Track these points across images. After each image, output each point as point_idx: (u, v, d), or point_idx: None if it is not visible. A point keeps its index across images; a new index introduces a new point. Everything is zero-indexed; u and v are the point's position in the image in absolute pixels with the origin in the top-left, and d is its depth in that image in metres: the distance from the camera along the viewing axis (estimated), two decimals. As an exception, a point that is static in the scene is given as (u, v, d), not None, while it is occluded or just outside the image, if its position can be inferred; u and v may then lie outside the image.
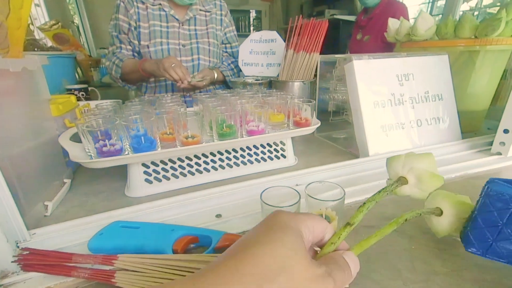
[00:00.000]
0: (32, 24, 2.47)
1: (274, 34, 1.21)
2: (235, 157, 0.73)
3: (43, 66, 0.66)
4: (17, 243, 0.46)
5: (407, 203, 0.58)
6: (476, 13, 2.70)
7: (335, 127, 1.05)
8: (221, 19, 1.41)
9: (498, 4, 2.52)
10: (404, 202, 0.59)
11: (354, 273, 0.29)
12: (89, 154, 0.59)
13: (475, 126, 1.02)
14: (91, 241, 0.45)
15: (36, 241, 0.48)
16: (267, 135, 0.71)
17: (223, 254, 0.26)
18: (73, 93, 1.50)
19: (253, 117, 0.71)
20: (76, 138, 0.64)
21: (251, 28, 4.80)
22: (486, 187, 0.37)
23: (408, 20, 1.02)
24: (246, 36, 1.29)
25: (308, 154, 0.88)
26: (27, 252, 0.41)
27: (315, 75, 1.03)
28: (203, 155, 0.70)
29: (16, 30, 0.54)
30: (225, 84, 1.42)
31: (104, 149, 0.58)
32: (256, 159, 0.76)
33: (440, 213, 0.42)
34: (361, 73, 0.77)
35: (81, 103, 0.89)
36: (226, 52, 1.49)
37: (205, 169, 0.71)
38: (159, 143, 0.63)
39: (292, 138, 0.80)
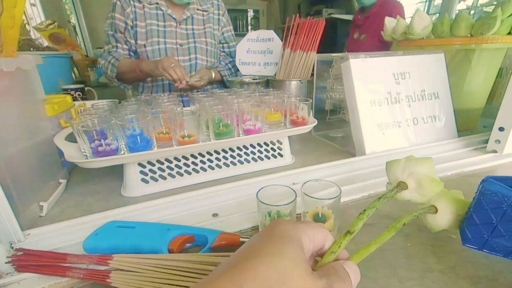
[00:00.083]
0: (28, 24, 2.45)
1: (271, 33, 1.21)
2: (231, 156, 0.73)
3: (38, 66, 0.66)
4: (11, 244, 0.46)
5: (404, 201, 0.58)
6: (472, 12, 2.71)
7: (332, 126, 1.05)
8: (219, 19, 1.40)
9: (495, 3, 2.53)
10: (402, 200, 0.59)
11: (354, 283, 0.28)
12: (84, 154, 0.59)
13: (471, 125, 1.02)
14: (86, 241, 0.44)
15: (30, 241, 0.47)
16: (263, 134, 0.71)
17: (223, 264, 0.25)
18: (69, 93, 1.49)
19: (250, 116, 0.71)
20: (71, 138, 0.63)
21: (249, 27, 4.79)
22: (481, 186, 0.38)
23: (405, 19, 1.02)
24: (244, 35, 1.28)
25: (305, 153, 0.88)
26: (21, 253, 0.41)
27: (312, 74, 1.03)
28: (200, 154, 0.70)
29: (9, 29, 0.53)
30: (222, 84, 1.41)
31: (100, 149, 0.57)
32: (252, 158, 0.75)
33: (435, 211, 0.41)
34: (358, 71, 0.77)
35: (77, 103, 0.89)
36: (224, 51, 1.49)
37: (201, 168, 0.71)
38: (155, 143, 0.63)
39: (289, 137, 0.80)
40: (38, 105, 0.66)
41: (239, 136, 0.69)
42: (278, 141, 0.78)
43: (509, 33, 0.83)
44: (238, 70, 1.32)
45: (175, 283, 0.37)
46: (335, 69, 0.93)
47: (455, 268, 0.41)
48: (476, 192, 0.38)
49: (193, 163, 0.69)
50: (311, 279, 0.25)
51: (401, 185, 0.42)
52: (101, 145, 0.58)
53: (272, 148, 0.77)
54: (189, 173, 0.69)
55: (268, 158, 0.77)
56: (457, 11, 2.67)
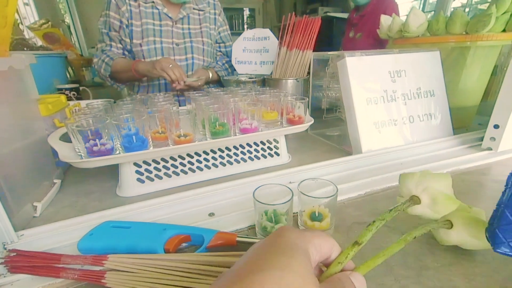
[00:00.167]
0: (21, 23, 2.44)
1: (267, 32, 1.21)
2: (228, 155, 0.73)
3: (32, 66, 0.65)
4: (4, 245, 0.45)
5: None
6: (467, 9, 2.72)
7: (328, 125, 1.05)
8: (215, 18, 1.40)
9: (489, 0, 2.55)
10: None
11: None
12: (79, 154, 0.58)
13: (466, 122, 1.02)
14: (81, 241, 0.44)
15: (24, 242, 0.47)
16: (260, 133, 0.71)
17: (226, 276, 0.24)
18: (64, 93, 1.48)
19: (246, 115, 0.70)
20: (66, 138, 0.63)
21: (245, 26, 4.78)
22: None
23: (399, 17, 1.02)
24: (240, 34, 1.28)
25: (302, 151, 0.88)
26: (15, 254, 0.41)
27: (308, 73, 1.02)
28: (196, 153, 0.69)
29: (1, 29, 0.53)
30: (219, 83, 1.41)
31: (95, 148, 0.57)
32: (249, 157, 0.75)
33: (450, 226, 0.40)
34: (354, 70, 0.77)
35: (72, 102, 0.88)
36: (220, 51, 1.48)
37: (198, 167, 0.70)
38: (151, 142, 0.63)
39: (285, 135, 0.79)
40: (32, 105, 0.66)
41: (236, 135, 0.69)
42: (274, 140, 0.77)
43: (503, 31, 0.84)
44: (234, 69, 1.31)
45: (171, 283, 0.37)
46: (331, 67, 0.93)
47: (451, 265, 0.41)
48: (507, 185, 0.35)
49: (189, 162, 0.69)
50: None
51: (414, 200, 0.40)
52: (96, 145, 0.57)
53: (268, 147, 0.77)
54: (185, 173, 0.69)
55: (265, 157, 0.77)
56: (452, 9, 2.68)
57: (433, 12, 2.98)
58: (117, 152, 0.60)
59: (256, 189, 0.47)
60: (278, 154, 0.79)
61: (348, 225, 0.51)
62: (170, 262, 0.39)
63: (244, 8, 4.71)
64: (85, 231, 0.46)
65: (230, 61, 1.33)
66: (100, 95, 1.89)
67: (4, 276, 0.41)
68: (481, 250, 0.42)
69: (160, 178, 0.67)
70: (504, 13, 0.81)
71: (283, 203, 0.45)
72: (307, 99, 0.76)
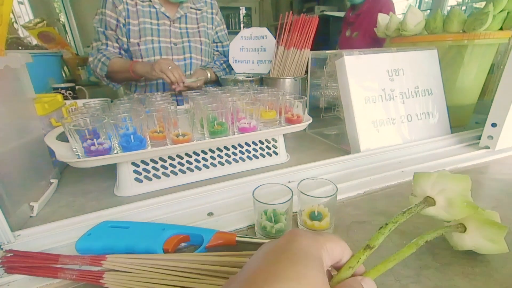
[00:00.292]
0: (16, 22, 2.41)
1: (264, 31, 1.20)
2: (226, 154, 0.72)
3: (27, 65, 0.64)
4: (1, 245, 0.45)
5: (399, 198, 0.59)
6: (463, 8, 2.73)
7: (326, 124, 1.05)
8: (212, 18, 1.39)
9: (485, -2, 2.56)
10: (396, 197, 0.59)
11: None
12: (76, 153, 0.58)
13: (464, 121, 1.03)
14: (79, 241, 0.43)
15: (21, 242, 0.47)
16: (259, 132, 0.71)
17: (239, 281, 0.24)
18: (60, 92, 1.47)
19: (245, 114, 0.70)
20: (63, 138, 0.62)
21: (241, 25, 4.77)
22: None
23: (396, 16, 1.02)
24: (236, 33, 1.28)
25: (300, 150, 0.88)
26: (11, 254, 0.40)
27: (306, 72, 1.02)
28: (194, 153, 0.69)
29: (-3, 26, 0.52)
30: (217, 83, 1.40)
31: (92, 148, 0.56)
32: (248, 157, 0.75)
33: (464, 230, 0.39)
34: (352, 68, 0.77)
35: (68, 102, 0.87)
36: (217, 51, 1.48)
37: (196, 167, 0.70)
38: (149, 142, 0.62)
39: (283, 135, 0.79)
40: (28, 104, 0.65)
41: (234, 134, 0.69)
42: (273, 139, 0.77)
43: (500, 29, 0.84)
44: (232, 69, 1.31)
45: (170, 283, 0.37)
46: (329, 66, 0.93)
47: (451, 265, 0.40)
48: None
49: (187, 162, 0.69)
50: None
51: (428, 201, 0.39)
52: (93, 144, 0.57)
53: (267, 146, 0.77)
54: (184, 172, 0.69)
55: (263, 156, 0.77)
56: (448, 7, 2.70)
57: (429, 11, 2.99)
58: (115, 151, 0.60)
59: (255, 188, 0.47)
60: (276, 153, 0.78)
61: (347, 224, 0.51)
62: (169, 262, 0.39)
63: (241, 7, 4.69)
64: (83, 231, 0.46)
65: (228, 60, 1.33)
66: (96, 94, 1.87)
67: (1, 277, 0.41)
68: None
69: (158, 177, 0.67)
70: (501, 11, 0.81)
71: (282, 203, 0.45)
72: (306, 98, 0.75)
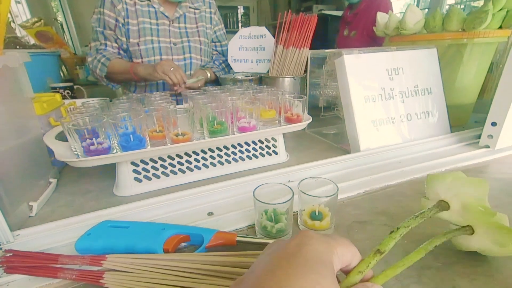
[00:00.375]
0: (13, 22, 2.40)
1: (263, 30, 1.20)
2: (226, 154, 0.72)
3: (26, 64, 0.64)
4: (0, 245, 0.45)
5: (399, 197, 0.59)
6: (462, 6, 2.73)
7: (326, 123, 1.05)
8: (211, 17, 1.39)
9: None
10: (397, 196, 0.59)
11: None
12: (75, 153, 0.57)
13: (463, 120, 1.03)
14: (79, 241, 0.43)
15: (20, 242, 0.46)
16: (258, 132, 0.71)
17: (249, 284, 0.23)
18: (58, 92, 1.46)
19: (244, 114, 0.70)
20: (61, 137, 0.62)
21: (239, 24, 4.76)
22: None
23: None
24: (235, 32, 1.27)
25: (300, 150, 0.87)
26: (11, 254, 0.40)
27: (306, 71, 1.02)
28: (194, 152, 0.69)
29: (-5, 25, 0.51)
30: (216, 82, 1.40)
31: (92, 147, 0.56)
32: (247, 156, 0.75)
33: (472, 232, 0.38)
34: (352, 67, 0.77)
35: (66, 101, 0.87)
36: (216, 50, 1.47)
37: (196, 167, 0.70)
38: (148, 141, 0.62)
39: (283, 134, 0.79)
40: (27, 104, 0.65)
41: (234, 133, 0.69)
42: (273, 138, 0.77)
43: (500, 27, 0.84)
44: (231, 68, 1.31)
45: (170, 283, 0.37)
46: (328, 65, 0.92)
47: (452, 265, 0.40)
48: None
49: (187, 161, 0.68)
50: None
51: (442, 205, 0.37)
52: (92, 144, 0.56)
53: (267, 146, 0.77)
54: (183, 172, 0.69)
55: (263, 155, 0.77)
56: (447, 6, 2.70)
57: (427, 10, 3.00)
58: (114, 151, 0.59)
59: (256, 188, 0.47)
60: (276, 153, 0.78)
61: (347, 224, 0.51)
62: (169, 262, 0.39)
63: (238, 6, 4.69)
64: (82, 231, 0.45)
65: (227, 60, 1.33)
66: (95, 94, 1.87)
67: (0, 277, 0.40)
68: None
69: (158, 177, 0.66)
70: (500, 9, 0.81)
71: (283, 202, 0.45)
72: (305, 97, 0.75)
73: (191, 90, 0.97)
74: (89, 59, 1.25)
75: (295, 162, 0.77)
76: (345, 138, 0.82)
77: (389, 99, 0.80)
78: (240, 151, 0.74)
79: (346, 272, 0.29)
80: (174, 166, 0.67)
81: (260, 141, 0.75)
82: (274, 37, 1.07)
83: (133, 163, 0.63)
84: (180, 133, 0.63)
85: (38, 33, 2.18)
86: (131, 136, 0.59)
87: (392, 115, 0.81)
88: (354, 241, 0.46)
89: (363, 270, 0.28)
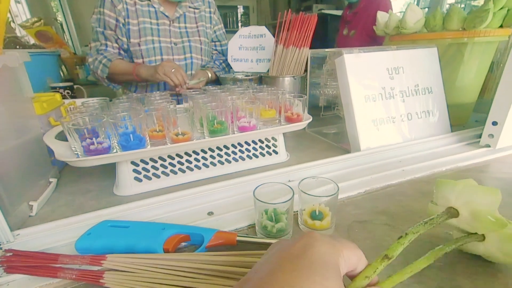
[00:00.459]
0: (13, 22, 2.40)
1: (263, 29, 1.20)
2: (226, 153, 0.72)
3: (25, 64, 0.64)
4: (0, 245, 0.45)
5: (400, 197, 0.58)
6: (462, 5, 2.73)
7: (326, 122, 1.05)
8: (210, 17, 1.39)
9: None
10: (397, 196, 0.59)
11: None
12: (75, 152, 0.57)
13: (464, 119, 1.03)
14: (79, 241, 0.43)
15: (20, 242, 0.46)
16: (258, 131, 0.70)
17: (252, 285, 0.23)
18: (58, 91, 1.46)
19: (244, 113, 0.70)
20: (61, 137, 0.62)
21: (239, 24, 4.76)
22: None
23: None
24: (234, 32, 1.27)
25: (300, 149, 0.87)
26: (11, 254, 0.40)
27: (306, 70, 1.02)
28: (194, 152, 0.69)
29: (-5, 25, 0.51)
30: (217, 82, 1.39)
31: (91, 147, 0.56)
32: (247, 156, 0.75)
33: (483, 239, 0.37)
34: (352, 67, 0.77)
35: (67, 101, 0.87)
36: (216, 50, 1.47)
37: (196, 166, 0.70)
38: (148, 141, 0.62)
39: (283, 133, 0.79)
40: (26, 103, 0.64)
41: (234, 133, 0.68)
42: (273, 138, 0.77)
43: (500, 26, 0.84)
44: (231, 68, 1.31)
45: (171, 283, 0.36)
46: (328, 64, 0.92)
47: (454, 264, 0.40)
48: None
49: (187, 161, 0.68)
50: None
51: (452, 212, 0.37)
52: (92, 143, 0.56)
53: (267, 145, 0.77)
54: (183, 171, 0.68)
55: (263, 155, 0.77)
56: (447, 5, 2.70)
57: (427, 9, 2.99)
58: (114, 150, 0.59)
59: (256, 187, 0.47)
60: (276, 152, 0.78)
61: (348, 223, 0.51)
62: (169, 262, 0.39)
63: (238, 6, 4.69)
64: (82, 231, 0.45)
65: (227, 60, 1.32)
66: (94, 94, 1.87)
67: (0, 276, 0.40)
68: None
69: (158, 176, 0.66)
70: (501, 8, 0.81)
71: (283, 202, 0.45)
72: (305, 96, 0.75)
73: (191, 90, 0.97)
74: (90, 59, 1.24)
75: (295, 162, 0.77)
76: (346, 138, 0.82)
77: (389, 98, 0.80)
78: (240, 151, 0.73)
79: (351, 276, 0.28)
80: (174, 165, 0.67)
81: (260, 140, 0.75)
82: (274, 36, 1.07)
83: (133, 163, 0.63)
84: (180, 133, 0.63)
85: (38, 33, 2.18)
86: (131, 135, 0.59)
87: (393, 114, 0.81)
88: (354, 240, 0.46)
89: (370, 275, 0.27)
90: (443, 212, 0.37)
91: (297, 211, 0.50)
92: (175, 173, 0.68)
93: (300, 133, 1.00)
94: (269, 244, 0.43)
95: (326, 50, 0.88)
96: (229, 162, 0.73)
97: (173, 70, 1.06)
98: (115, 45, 1.24)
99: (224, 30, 1.48)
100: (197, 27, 1.32)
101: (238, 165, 0.74)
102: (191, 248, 0.46)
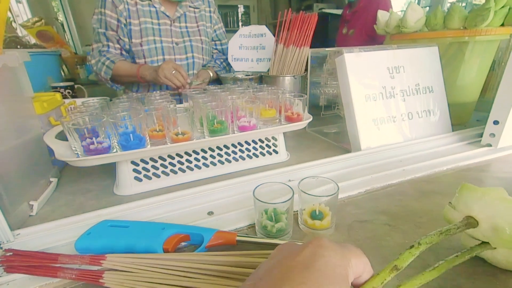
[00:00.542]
0: (14, 21, 2.41)
1: (263, 29, 1.20)
2: (226, 153, 0.72)
3: (26, 64, 0.64)
4: (0, 244, 0.45)
5: (401, 197, 0.58)
6: (463, 4, 2.72)
7: (326, 122, 1.05)
8: (210, 16, 1.39)
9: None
10: (398, 196, 0.59)
11: None
12: (75, 152, 0.57)
13: (465, 118, 1.02)
14: (78, 241, 0.43)
15: (20, 241, 0.46)
16: (259, 131, 0.70)
17: None
18: (58, 91, 1.46)
19: (244, 113, 0.70)
20: (62, 137, 0.62)
21: (240, 23, 4.76)
22: None
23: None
24: (235, 31, 1.27)
25: (300, 149, 0.87)
26: (11, 254, 0.40)
27: (306, 69, 1.02)
28: (194, 152, 0.69)
29: (-6, 25, 0.51)
30: (217, 81, 1.39)
31: (92, 147, 0.56)
32: (248, 155, 0.75)
33: (494, 248, 0.36)
34: (352, 66, 0.76)
35: (67, 100, 0.87)
36: (216, 49, 1.47)
37: (196, 166, 0.69)
38: (148, 140, 0.62)
39: (283, 133, 0.79)
40: (27, 103, 0.65)
41: (234, 133, 0.68)
42: (273, 137, 0.77)
43: (502, 25, 0.84)
44: (231, 67, 1.30)
45: (170, 283, 0.36)
46: (329, 64, 0.92)
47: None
48: None
49: (187, 160, 0.68)
50: None
51: (470, 223, 0.35)
52: (92, 143, 0.56)
53: (267, 145, 0.76)
54: (183, 171, 0.68)
55: (263, 155, 0.76)
56: (448, 4, 2.69)
57: (428, 8, 2.99)
58: (114, 150, 0.59)
59: (256, 187, 0.46)
60: (276, 152, 0.78)
61: (348, 223, 0.51)
62: (169, 261, 0.39)
63: (239, 5, 4.69)
64: (82, 230, 0.45)
65: (227, 59, 1.32)
66: (95, 93, 1.87)
67: (0, 276, 0.40)
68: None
69: (158, 176, 0.66)
70: (502, 7, 0.80)
71: (283, 202, 0.44)
72: (306, 96, 0.75)
73: (192, 89, 0.97)
74: (93, 61, 1.24)
75: (296, 161, 0.77)
76: (346, 137, 0.81)
77: (390, 97, 0.80)
78: (240, 150, 0.73)
79: (356, 285, 0.27)
80: (174, 165, 0.67)
81: (260, 140, 0.75)
82: (274, 36, 1.07)
83: (133, 162, 0.63)
84: (180, 132, 0.63)
85: (39, 33, 2.18)
86: (131, 135, 0.59)
87: (393, 113, 0.80)
88: (354, 240, 0.46)
89: (377, 286, 0.27)
90: (461, 222, 0.35)
91: (297, 211, 0.50)
92: (175, 172, 0.68)
93: (300, 132, 0.99)
94: (269, 244, 0.43)
95: (327, 49, 0.88)
96: (229, 161, 0.73)
97: (173, 72, 1.06)
98: (117, 45, 1.24)
99: (224, 29, 1.48)
100: (197, 26, 1.33)
101: (238, 165, 0.74)
102: (191, 248, 0.46)
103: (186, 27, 1.30)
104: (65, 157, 0.56)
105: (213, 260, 0.39)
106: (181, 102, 1.04)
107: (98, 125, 0.57)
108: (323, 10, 3.39)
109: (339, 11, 3.16)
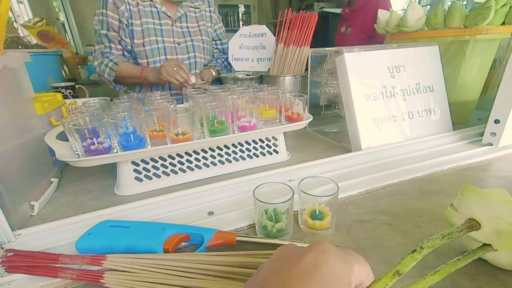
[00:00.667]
0: (16, 22, 2.41)
1: (263, 28, 1.20)
2: (226, 153, 0.72)
3: (27, 64, 0.64)
4: (1, 245, 0.45)
5: (401, 196, 0.58)
6: (464, 3, 2.71)
7: (326, 121, 1.04)
8: (210, 16, 1.39)
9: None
10: (398, 195, 0.59)
11: None
12: (76, 152, 0.57)
13: (466, 117, 1.02)
14: (79, 241, 0.43)
15: (21, 241, 0.47)
16: (259, 131, 0.70)
17: None
18: (59, 91, 1.46)
19: (245, 113, 0.70)
20: (63, 137, 0.62)
21: (240, 23, 4.77)
22: None
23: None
24: (235, 31, 1.27)
25: (300, 149, 0.87)
26: (12, 254, 0.40)
27: (306, 69, 1.02)
28: (194, 152, 0.69)
29: (-5, 26, 0.52)
30: (218, 81, 1.40)
31: (92, 147, 0.56)
32: (248, 155, 0.75)
33: (496, 250, 0.36)
34: (353, 65, 0.76)
35: (68, 101, 0.87)
36: (217, 48, 1.48)
37: (196, 166, 0.70)
38: (148, 141, 0.62)
39: (284, 133, 0.79)
40: (27, 104, 0.65)
41: (234, 133, 0.68)
42: (273, 137, 0.77)
43: (502, 23, 0.83)
44: (232, 66, 1.31)
45: (170, 283, 0.36)
46: (329, 63, 0.92)
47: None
48: None
49: (187, 160, 0.68)
50: None
51: (473, 225, 0.34)
52: (93, 143, 0.56)
53: (267, 145, 0.76)
54: (184, 171, 0.68)
55: (264, 155, 0.76)
56: (449, 3, 2.68)
57: (429, 6, 2.98)
58: (115, 150, 0.59)
59: (256, 187, 0.46)
60: (277, 152, 0.78)
61: (348, 223, 0.51)
62: (169, 262, 0.39)
63: (239, 5, 4.69)
64: (83, 231, 0.45)
65: (228, 58, 1.33)
66: (96, 93, 1.87)
67: (1, 276, 0.40)
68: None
69: (159, 176, 0.66)
70: (503, 5, 0.80)
71: (283, 202, 0.44)
72: (306, 95, 0.75)
73: (192, 89, 0.97)
74: (96, 62, 1.24)
75: (296, 161, 0.77)
76: (346, 137, 0.81)
77: (390, 97, 0.80)
78: (241, 150, 0.73)
79: None
80: (174, 165, 0.67)
81: (260, 140, 0.75)
82: (274, 35, 1.06)
83: (133, 163, 0.63)
84: (180, 133, 0.63)
85: (40, 33, 2.19)
86: (131, 135, 0.59)
87: (394, 113, 0.80)
88: (354, 240, 0.46)
89: None
90: (463, 225, 0.35)
91: (297, 211, 0.50)
92: (176, 173, 0.68)
93: (300, 132, 0.99)
94: (269, 244, 0.43)
95: (327, 49, 0.88)
96: (229, 161, 0.73)
97: (175, 68, 1.07)
98: (119, 46, 1.24)
99: (224, 28, 1.48)
100: (198, 26, 1.33)
101: (238, 165, 0.74)
102: (191, 248, 0.46)
103: (187, 27, 1.30)
104: (66, 158, 0.56)
105: (213, 260, 0.39)
106: (181, 102, 1.04)
107: (98, 126, 0.57)
108: (324, 9, 3.39)
109: (339, 10, 3.16)
